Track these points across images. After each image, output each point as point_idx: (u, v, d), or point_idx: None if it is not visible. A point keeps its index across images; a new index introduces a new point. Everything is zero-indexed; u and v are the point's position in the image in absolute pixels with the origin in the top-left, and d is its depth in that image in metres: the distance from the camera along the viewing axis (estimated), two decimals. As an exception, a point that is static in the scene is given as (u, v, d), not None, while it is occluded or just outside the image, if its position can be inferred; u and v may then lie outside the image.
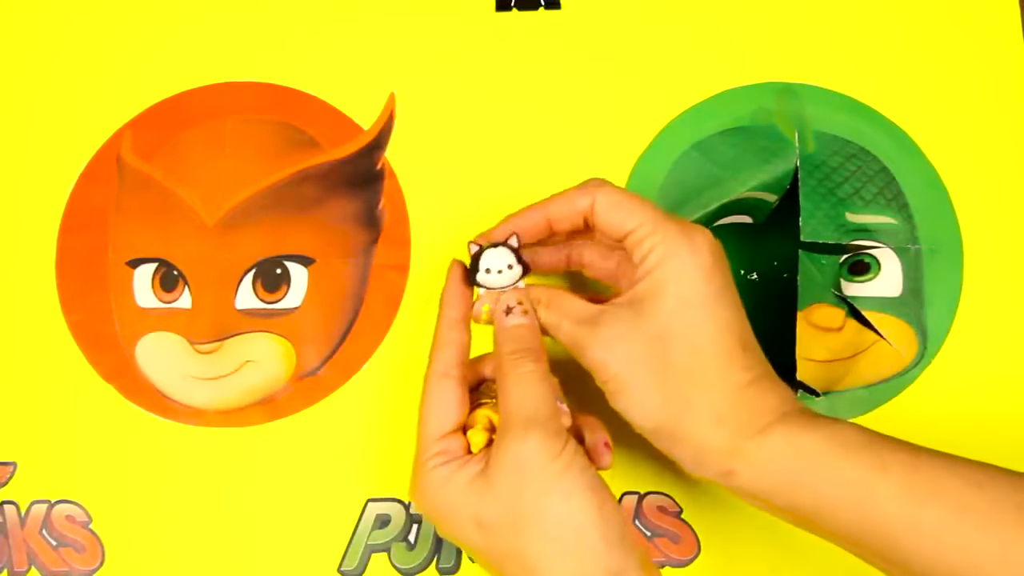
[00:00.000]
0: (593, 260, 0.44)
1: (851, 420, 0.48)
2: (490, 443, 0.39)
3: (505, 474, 0.36)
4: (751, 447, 0.37)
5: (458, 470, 0.37)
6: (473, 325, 0.41)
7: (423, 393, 0.39)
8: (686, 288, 0.38)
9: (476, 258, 0.40)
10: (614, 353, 0.38)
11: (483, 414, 0.40)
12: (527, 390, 0.38)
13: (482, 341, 0.42)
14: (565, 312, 0.40)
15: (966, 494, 0.35)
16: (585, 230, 0.42)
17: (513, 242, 0.41)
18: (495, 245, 0.41)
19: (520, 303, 0.40)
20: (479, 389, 0.42)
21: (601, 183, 0.40)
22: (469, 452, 0.39)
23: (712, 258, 0.38)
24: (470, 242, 0.41)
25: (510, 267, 0.40)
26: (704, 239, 0.39)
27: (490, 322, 0.41)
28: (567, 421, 0.39)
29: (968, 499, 0.35)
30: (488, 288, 0.41)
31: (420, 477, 0.38)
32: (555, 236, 0.42)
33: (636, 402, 0.38)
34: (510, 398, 0.38)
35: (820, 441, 0.36)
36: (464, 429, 0.39)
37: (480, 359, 0.43)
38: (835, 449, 0.36)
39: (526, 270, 0.41)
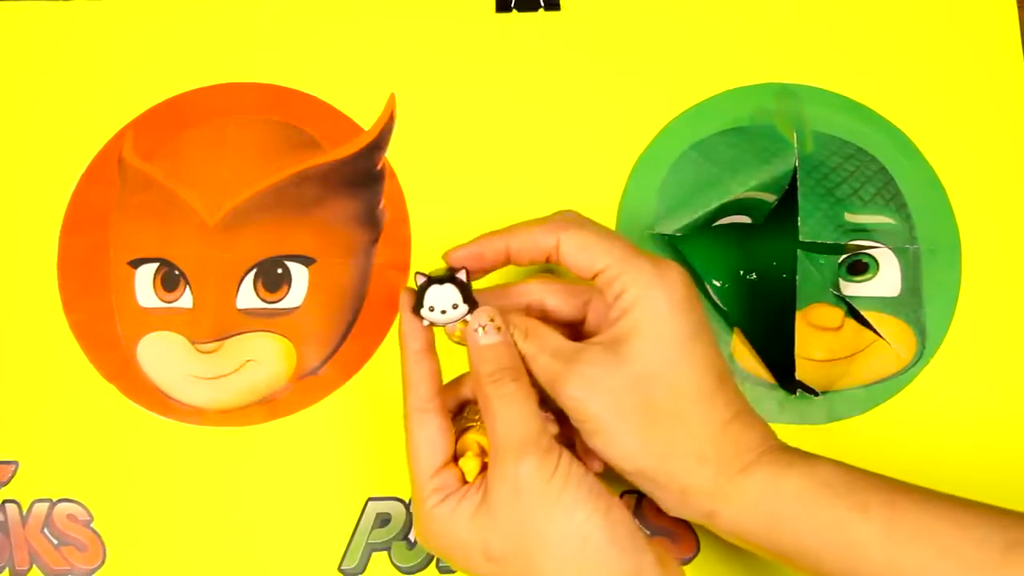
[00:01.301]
0: (556, 307, 0.42)
1: (849, 420, 0.48)
2: (484, 468, 0.38)
3: (506, 502, 0.36)
4: (733, 488, 0.37)
5: (458, 505, 0.37)
6: (441, 346, 0.40)
7: (407, 432, 0.39)
8: (662, 327, 0.37)
9: (421, 291, 0.39)
10: (593, 394, 0.37)
11: (472, 439, 0.39)
12: (512, 412, 0.37)
13: (456, 361, 0.42)
14: (544, 344, 0.39)
15: (950, 535, 0.34)
16: (545, 262, 0.41)
17: (462, 276, 0.39)
18: (442, 280, 0.39)
19: (492, 320, 0.39)
20: (462, 414, 0.42)
21: (566, 223, 0.39)
22: (464, 482, 0.38)
23: (685, 292, 0.38)
24: (417, 272, 0.39)
25: (455, 307, 0.39)
26: (677, 274, 0.38)
27: (463, 341, 0.40)
28: (554, 429, 0.39)
29: (952, 541, 0.34)
30: (433, 323, 0.39)
31: (422, 518, 0.38)
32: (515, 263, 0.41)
33: (616, 444, 0.37)
34: (496, 422, 0.37)
35: (801, 481, 0.36)
36: (455, 458, 0.39)
37: (458, 381, 0.42)
38: (816, 489, 0.36)
39: (472, 308, 0.39)
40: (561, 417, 0.40)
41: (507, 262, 0.40)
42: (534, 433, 0.36)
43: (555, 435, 0.38)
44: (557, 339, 0.39)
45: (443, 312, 0.39)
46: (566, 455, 0.37)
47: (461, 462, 0.38)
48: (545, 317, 0.42)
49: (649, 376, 0.37)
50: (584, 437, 0.38)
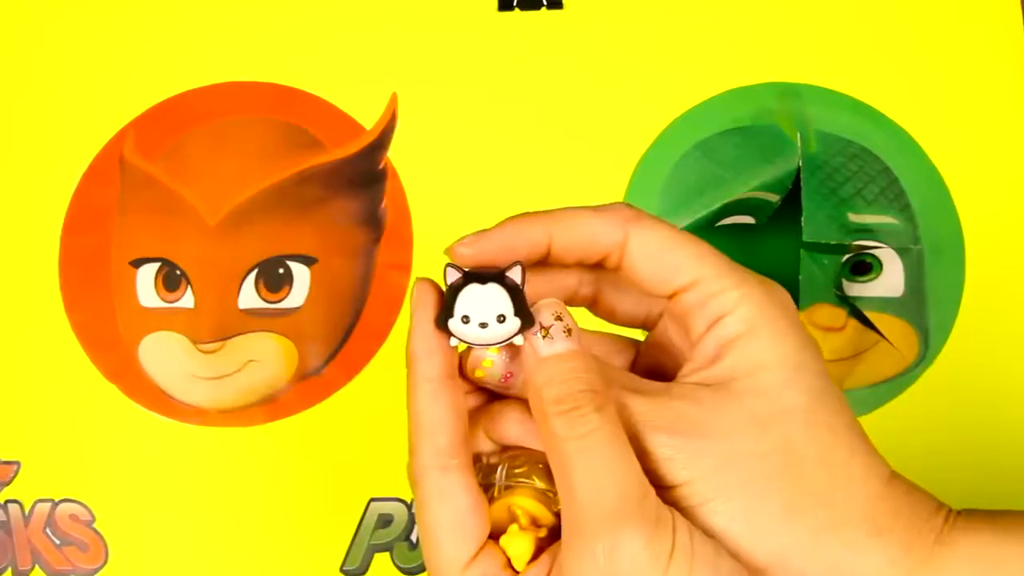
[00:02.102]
0: (618, 303, 0.31)
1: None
2: (538, 550, 0.27)
3: None
4: (931, 571, 0.26)
5: None
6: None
7: (418, 502, 0.27)
8: (790, 359, 0.27)
9: (453, 293, 0.26)
10: (704, 442, 0.26)
11: (515, 505, 0.27)
12: (600, 461, 0.25)
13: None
14: (616, 376, 0.27)
15: None
16: (596, 266, 0.29)
17: (515, 275, 0.26)
18: (486, 278, 0.26)
19: (559, 318, 0.26)
20: (485, 463, 0.29)
21: (635, 213, 0.28)
22: (513, 572, 0.27)
23: (798, 318, 0.28)
24: (448, 265, 0.27)
25: (501, 319, 0.26)
26: (786, 295, 0.28)
27: (491, 379, 0.28)
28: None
29: None
30: (465, 343, 0.27)
31: None
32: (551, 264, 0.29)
33: (740, 518, 0.26)
34: (575, 479, 0.25)
35: (1016, 547, 0.27)
36: (493, 535, 0.27)
37: (473, 418, 0.29)
38: None
39: (526, 325, 0.26)
40: None
41: (541, 257, 0.28)
42: (636, 493, 0.25)
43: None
44: (626, 372, 0.28)
45: (483, 326, 0.26)
46: (683, 524, 0.25)
47: (504, 542, 0.27)
48: (597, 312, 0.32)
49: (784, 413, 0.26)
50: (674, 503, 0.26)
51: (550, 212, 0.28)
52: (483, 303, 0.26)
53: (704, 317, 0.27)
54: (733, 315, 0.27)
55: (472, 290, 0.26)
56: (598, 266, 0.29)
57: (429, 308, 0.27)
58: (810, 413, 0.26)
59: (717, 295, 0.27)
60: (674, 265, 0.28)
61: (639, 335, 0.32)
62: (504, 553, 0.26)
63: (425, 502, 0.26)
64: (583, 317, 0.29)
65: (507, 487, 0.27)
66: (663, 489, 0.26)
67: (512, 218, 0.28)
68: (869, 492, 0.26)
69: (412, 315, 0.27)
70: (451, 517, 0.26)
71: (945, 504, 0.28)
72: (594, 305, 0.31)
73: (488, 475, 0.28)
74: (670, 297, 0.28)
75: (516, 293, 0.26)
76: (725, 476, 0.26)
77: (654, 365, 0.31)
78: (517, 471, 0.28)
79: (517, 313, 0.26)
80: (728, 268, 0.28)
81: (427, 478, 0.26)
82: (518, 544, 0.26)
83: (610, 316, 0.31)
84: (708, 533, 0.25)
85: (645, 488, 0.25)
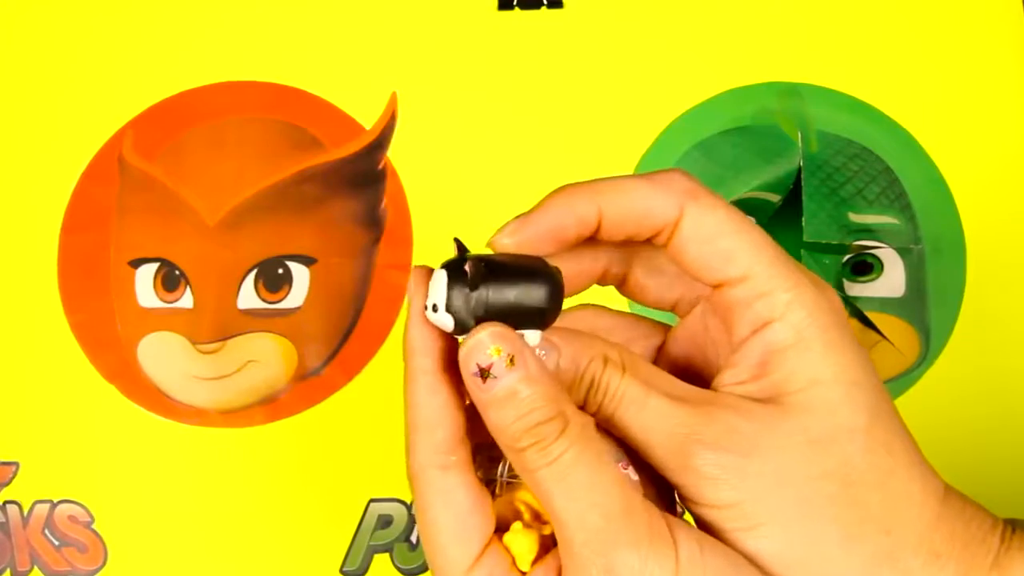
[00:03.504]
0: (650, 284, 0.28)
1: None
2: (545, 547, 0.25)
3: None
4: None
5: None
6: None
7: (418, 503, 0.25)
8: (847, 373, 0.25)
9: (450, 276, 0.24)
10: (751, 469, 0.24)
11: (518, 501, 0.26)
12: (577, 486, 0.23)
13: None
14: (654, 381, 0.25)
15: None
16: (626, 241, 0.27)
17: (547, 273, 0.24)
18: (450, 262, 0.24)
19: (498, 351, 0.23)
20: (482, 453, 0.27)
21: (692, 186, 0.25)
22: (520, 572, 0.25)
23: (847, 318, 0.26)
24: (458, 257, 0.24)
25: (435, 309, 0.24)
26: (839, 303, 0.26)
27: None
28: (639, 490, 0.25)
29: None
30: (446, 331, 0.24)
31: None
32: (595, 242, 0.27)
33: (796, 544, 0.24)
34: (557, 509, 0.23)
35: None
36: (497, 531, 0.26)
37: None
38: None
39: (457, 330, 0.24)
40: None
41: (588, 234, 0.26)
42: (619, 510, 0.23)
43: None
44: (666, 376, 0.26)
45: (436, 311, 0.24)
46: (688, 536, 0.23)
47: (507, 539, 0.25)
48: (626, 291, 0.29)
49: (841, 434, 0.24)
50: (722, 535, 0.24)
51: (597, 183, 0.26)
52: (435, 290, 0.24)
53: (750, 319, 0.25)
54: (782, 322, 0.25)
55: (436, 275, 0.24)
56: (628, 241, 0.27)
57: (423, 297, 0.25)
58: (869, 433, 0.25)
59: (766, 296, 0.25)
60: (726, 254, 0.25)
61: (662, 315, 0.29)
62: (509, 552, 0.25)
63: (425, 502, 0.25)
64: (608, 296, 0.28)
65: (509, 482, 0.26)
66: (705, 507, 0.24)
67: (555, 194, 0.25)
68: (926, 515, 0.25)
69: (408, 304, 0.25)
70: (453, 517, 0.25)
71: (999, 520, 0.26)
72: (622, 284, 0.29)
73: (489, 470, 0.26)
74: (714, 287, 0.26)
75: (456, 280, 0.23)
76: (777, 499, 0.24)
77: (685, 358, 0.28)
78: None
79: (448, 308, 0.23)
80: (782, 265, 0.25)
81: (425, 477, 0.25)
82: (521, 542, 0.25)
83: (638, 297, 0.29)
84: (753, 559, 0.24)
85: (630, 502, 0.23)
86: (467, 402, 0.25)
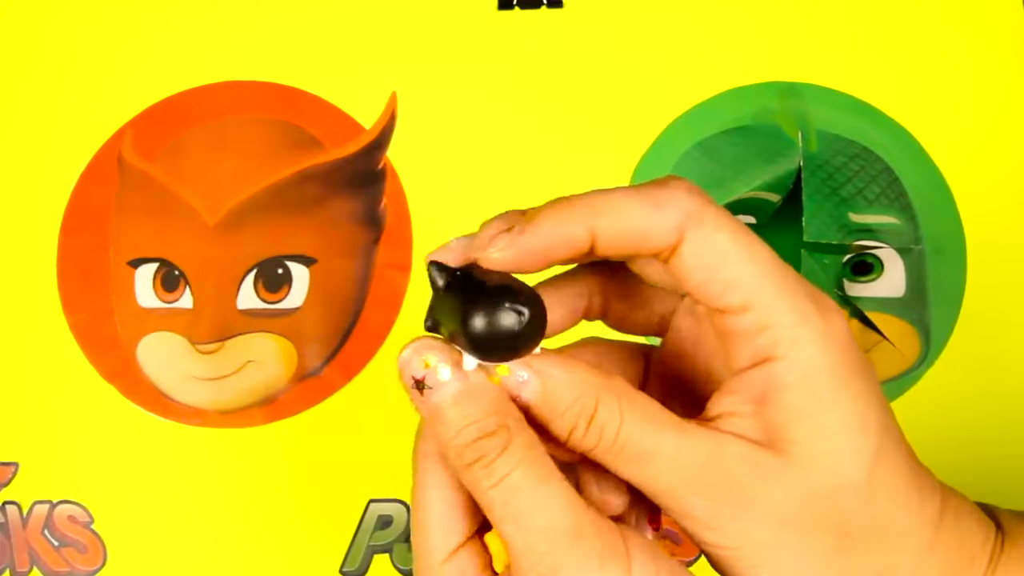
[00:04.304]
0: (628, 311, 0.28)
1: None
2: None
3: None
4: None
5: None
6: None
7: (414, 486, 0.26)
8: (848, 417, 0.24)
9: (446, 298, 0.24)
10: (750, 522, 0.24)
11: None
12: (523, 508, 0.23)
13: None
14: (637, 407, 0.24)
15: None
16: (598, 265, 0.27)
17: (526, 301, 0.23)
18: (483, 291, 0.23)
19: (427, 364, 0.23)
20: None
21: (696, 208, 0.24)
22: (493, 573, 0.26)
23: (856, 348, 0.25)
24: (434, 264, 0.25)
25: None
26: (844, 327, 0.25)
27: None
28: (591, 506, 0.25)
29: None
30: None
31: None
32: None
33: None
34: (505, 531, 0.23)
35: None
36: (479, 532, 0.26)
37: None
38: None
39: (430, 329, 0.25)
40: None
41: (585, 258, 0.25)
42: (566, 531, 0.23)
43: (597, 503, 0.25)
44: (652, 404, 0.25)
45: None
46: (644, 553, 0.24)
47: (488, 539, 0.26)
48: (606, 321, 0.29)
49: (843, 488, 0.24)
50: (720, 566, 0.25)
51: (594, 201, 0.24)
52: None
53: (750, 352, 0.24)
54: (786, 361, 0.24)
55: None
56: (599, 268, 0.27)
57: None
58: (870, 486, 0.24)
59: (769, 329, 0.24)
60: (727, 283, 0.24)
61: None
62: (487, 552, 0.26)
63: (420, 487, 0.26)
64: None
65: None
66: (707, 544, 0.25)
67: (549, 210, 0.24)
68: (920, 546, 0.25)
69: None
70: (441, 507, 0.25)
71: (991, 534, 0.26)
72: (605, 316, 0.28)
73: None
74: (719, 313, 0.25)
75: (435, 295, 0.24)
76: (775, 547, 0.24)
77: (673, 377, 0.28)
78: None
79: (427, 318, 0.25)
80: (787, 295, 0.24)
81: (426, 463, 0.25)
82: (499, 544, 0.25)
83: (619, 325, 0.28)
84: None
85: (578, 524, 0.23)
86: None
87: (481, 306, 0.22)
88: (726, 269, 0.24)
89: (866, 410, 0.24)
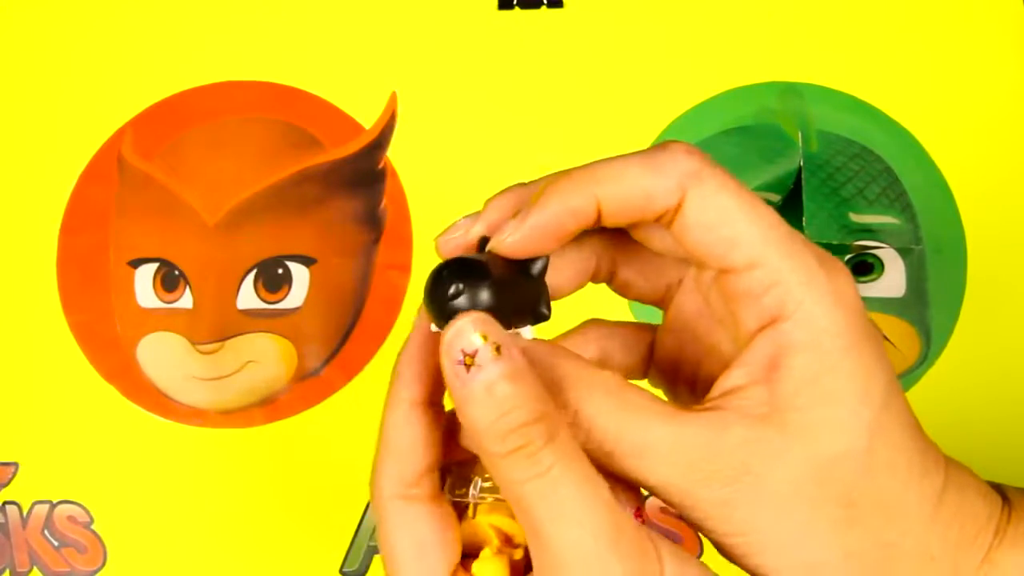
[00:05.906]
0: (634, 277, 0.27)
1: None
2: (516, 572, 0.24)
3: None
4: None
5: None
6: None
7: (381, 531, 0.25)
8: (852, 380, 0.23)
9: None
10: (759, 505, 0.23)
11: (487, 524, 0.25)
12: (567, 504, 0.21)
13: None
14: (638, 408, 0.23)
15: None
16: (605, 231, 0.26)
17: (538, 266, 0.24)
18: (483, 273, 0.23)
19: (485, 336, 0.21)
20: (454, 472, 0.26)
21: (696, 167, 0.24)
22: None
23: (862, 309, 0.24)
24: (441, 246, 0.25)
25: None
26: (851, 285, 0.24)
27: None
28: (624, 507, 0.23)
29: None
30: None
31: None
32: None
33: (797, 564, 0.24)
34: (543, 529, 0.21)
35: None
36: (464, 559, 0.25)
37: (454, 417, 0.24)
38: None
39: (540, 318, 0.24)
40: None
41: (589, 225, 0.25)
42: (611, 529, 0.22)
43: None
44: (640, 394, 0.24)
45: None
46: (672, 555, 0.23)
47: (476, 569, 0.24)
48: (614, 286, 0.28)
49: (844, 457, 0.23)
50: (724, 550, 0.25)
51: (594, 171, 0.24)
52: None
53: (757, 313, 0.24)
54: (793, 320, 0.23)
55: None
56: (607, 231, 0.26)
57: (426, 327, 0.24)
58: (872, 454, 0.23)
59: (775, 287, 0.23)
60: (730, 240, 0.23)
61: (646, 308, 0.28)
62: None
63: (387, 532, 0.24)
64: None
65: (479, 502, 0.25)
66: (712, 532, 0.24)
67: (551, 187, 0.24)
68: (922, 519, 0.24)
69: (412, 329, 0.25)
70: (415, 549, 0.24)
71: (996, 508, 0.26)
72: (612, 280, 0.28)
73: (460, 488, 0.25)
74: (722, 271, 0.24)
75: (534, 286, 0.24)
76: (781, 527, 0.23)
77: (677, 352, 0.27)
78: (490, 484, 0.25)
79: (532, 311, 0.24)
80: (793, 252, 0.23)
81: (390, 507, 0.24)
82: (490, 570, 0.24)
83: (624, 291, 0.28)
84: (754, 572, 0.24)
85: (618, 519, 0.22)
86: (442, 423, 0.25)
87: (505, 282, 0.23)
88: (729, 226, 0.23)
89: (870, 376, 0.24)
